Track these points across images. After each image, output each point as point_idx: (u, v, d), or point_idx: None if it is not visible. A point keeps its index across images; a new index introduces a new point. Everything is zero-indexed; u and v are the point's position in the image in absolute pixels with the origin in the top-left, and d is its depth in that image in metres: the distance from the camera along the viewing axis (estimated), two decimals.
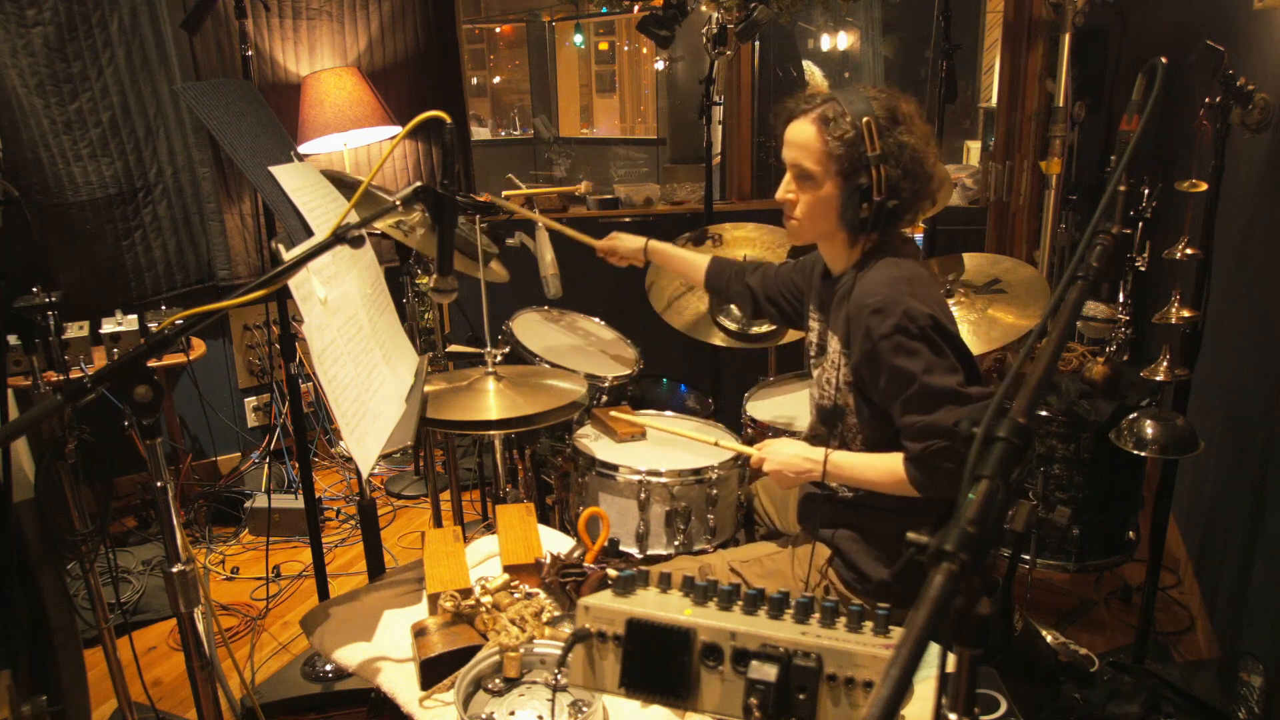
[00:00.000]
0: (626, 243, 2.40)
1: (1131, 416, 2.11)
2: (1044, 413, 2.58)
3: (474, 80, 7.70)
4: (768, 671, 0.92)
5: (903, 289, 1.56)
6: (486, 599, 1.54)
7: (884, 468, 1.63)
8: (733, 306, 2.70)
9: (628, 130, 7.37)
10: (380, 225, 2.29)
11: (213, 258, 3.57)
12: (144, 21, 3.27)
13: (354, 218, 1.44)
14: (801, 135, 1.63)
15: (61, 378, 2.02)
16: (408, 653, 1.53)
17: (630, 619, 0.99)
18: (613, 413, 2.32)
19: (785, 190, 1.69)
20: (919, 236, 3.53)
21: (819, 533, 1.78)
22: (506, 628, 1.47)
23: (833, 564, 1.76)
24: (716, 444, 2.02)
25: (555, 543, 1.87)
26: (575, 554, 1.71)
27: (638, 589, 1.05)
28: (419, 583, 1.73)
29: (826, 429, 1.77)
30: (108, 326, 2.95)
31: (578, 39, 7.20)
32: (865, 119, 1.55)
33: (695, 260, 2.27)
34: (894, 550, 1.70)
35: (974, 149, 4.67)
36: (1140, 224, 2.21)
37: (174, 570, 1.22)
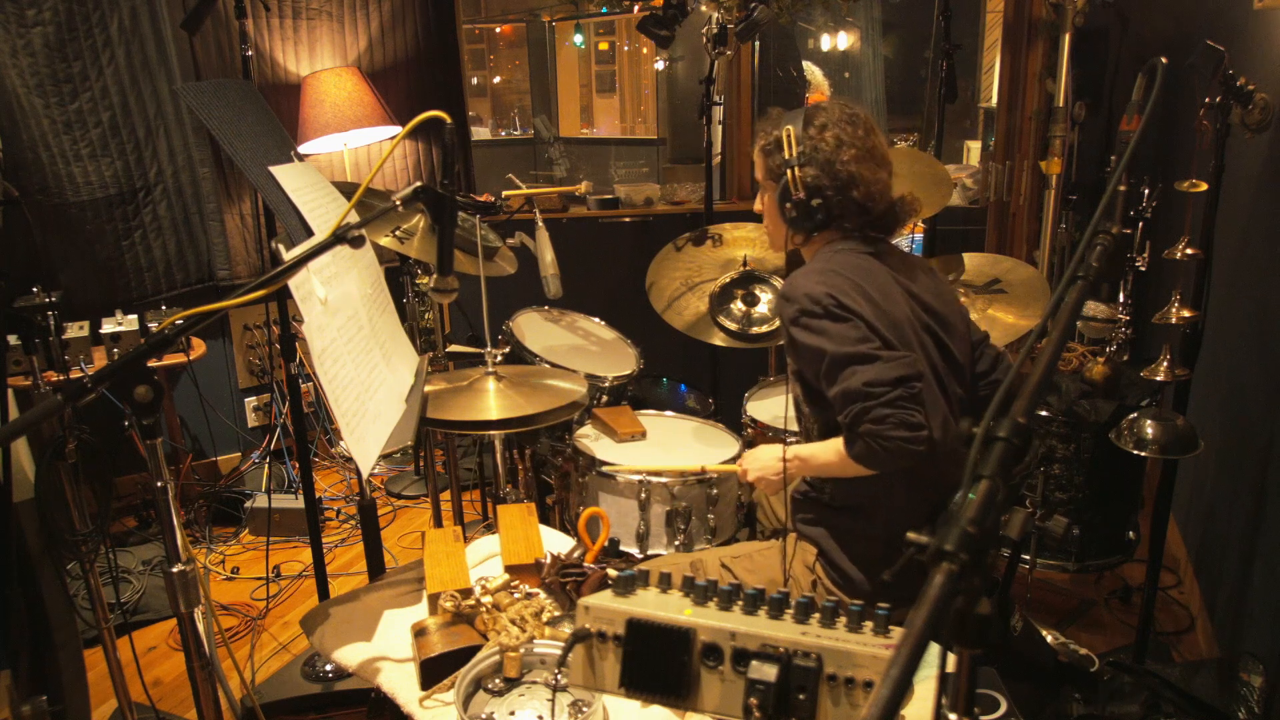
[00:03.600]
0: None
1: (1131, 416, 2.11)
2: (1044, 413, 2.58)
3: (474, 80, 7.70)
4: (768, 671, 0.92)
5: (812, 277, 1.66)
6: (486, 599, 1.54)
7: (830, 448, 1.68)
8: (733, 306, 2.70)
9: (628, 130, 7.37)
10: (379, 239, 2.29)
11: (213, 258, 3.57)
12: (144, 21, 3.27)
13: (354, 218, 1.44)
14: (753, 152, 1.84)
15: (61, 378, 2.02)
16: (408, 653, 1.53)
17: (630, 619, 0.99)
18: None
19: (756, 202, 1.89)
20: (919, 236, 3.54)
21: (803, 530, 1.80)
22: (506, 628, 1.47)
23: (820, 561, 1.77)
24: (703, 470, 2.13)
25: (555, 543, 1.87)
26: (575, 554, 1.71)
27: (638, 589, 1.05)
28: (419, 583, 1.73)
29: (799, 421, 1.86)
30: (108, 326, 2.95)
31: (578, 39, 7.20)
32: (787, 128, 1.72)
33: None
34: (868, 550, 1.71)
35: (974, 149, 4.67)
36: (1140, 224, 2.22)
37: (174, 570, 1.22)
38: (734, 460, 2.23)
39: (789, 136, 1.71)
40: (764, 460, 1.85)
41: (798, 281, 1.67)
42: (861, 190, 1.70)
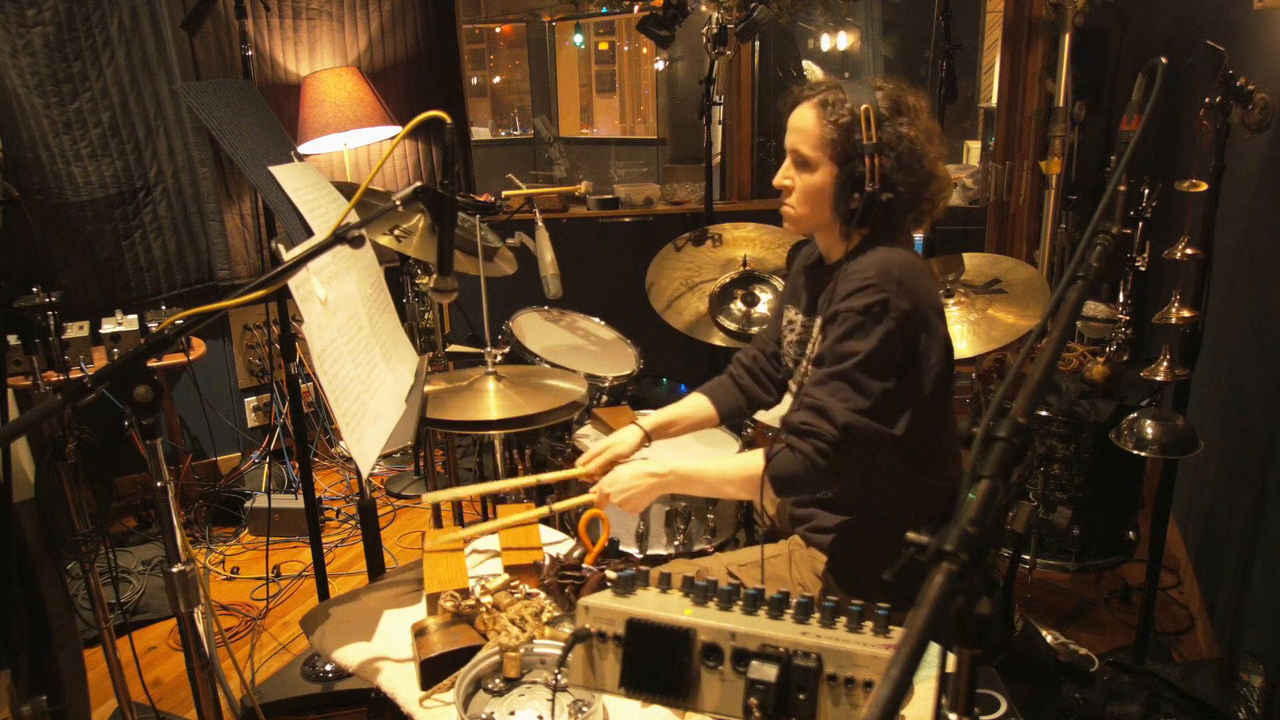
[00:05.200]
0: (624, 444, 1.90)
1: (1131, 416, 2.11)
2: (1044, 413, 2.58)
3: (474, 80, 7.70)
4: (768, 671, 0.92)
5: (894, 273, 1.54)
6: (486, 599, 1.53)
7: (737, 463, 1.61)
8: (733, 306, 2.70)
9: (628, 130, 7.37)
10: (378, 237, 2.29)
11: (213, 258, 3.57)
12: (144, 21, 3.27)
13: (354, 218, 1.44)
14: (801, 119, 1.62)
15: (61, 378, 2.02)
16: (408, 653, 1.53)
17: (630, 619, 0.99)
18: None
19: (783, 175, 1.68)
20: (918, 236, 3.54)
21: (812, 538, 1.78)
22: (506, 628, 1.47)
23: (831, 567, 1.76)
24: (551, 510, 1.81)
25: (555, 543, 1.87)
26: (575, 554, 1.71)
27: (638, 589, 1.05)
28: (419, 583, 1.73)
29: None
30: (108, 326, 2.95)
31: (578, 39, 7.20)
32: (864, 106, 1.55)
33: (703, 408, 1.96)
34: (887, 553, 1.68)
35: (974, 149, 4.68)
36: (1140, 224, 2.21)
37: (174, 570, 1.22)
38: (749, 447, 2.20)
39: (869, 116, 1.54)
40: (625, 480, 1.68)
41: (880, 276, 1.53)
42: (930, 192, 1.60)
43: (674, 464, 1.68)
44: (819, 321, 1.69)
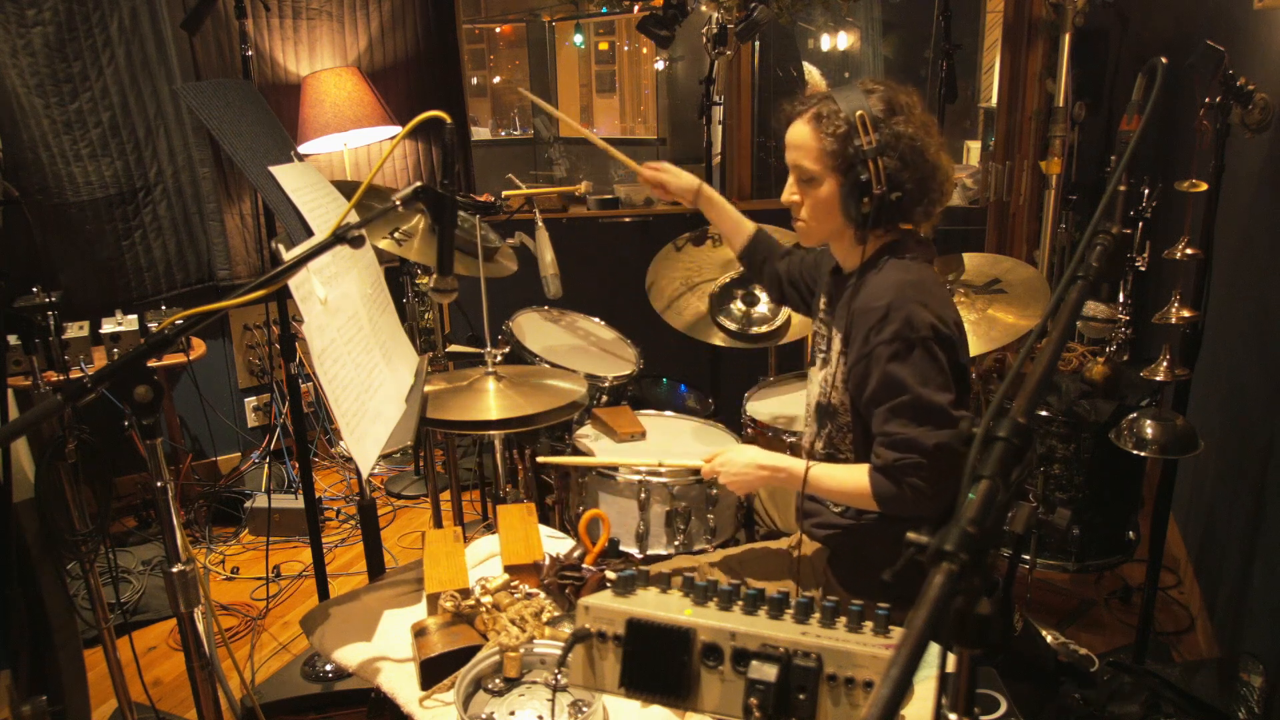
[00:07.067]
0: (680, 179, 2.13)
1: (1131, 416, 2.11)
2: (1044, 413, 2.58)
3: (474, 80, 7.70)
4: (768, 671, 0.92)
5: (909, 293, 1.54)
6: (486, 599, 1.54)
7: (848, 478, 1.61)
8: (733, 306, 2.70)
9: (628, 130, 7.37)
10: (377, 240, 2.29)
11: (213, 258, 3.57)
12: (144, 21, 3.27)
13: (354, 218, 1.44)
14: (798, 136, 1.63)
15: (61, 378, 2.02)
16: (408, 653, 1.53)
17: (630, 619, 0.99)
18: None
19: (790, 193, 1.69)
20: None
21: (816, 533, 1.78)
22: (506, 628, 1.47)
23: (832, 565, 1.76)
24: (660, 465, 2.02)
25: (555, 543, 1.87)
26: (575, 554, 1.71)
27: (638, 589, 1.05)
28: (419, 583, 1.73)
29: (817, 427, 1.77)
30: (108, 326, 2.95)
31: (578, 39, 7.20)
32: (859, 112, 1.54)
33: (741, 224, 2.11)
34: (891, 552, 1.68)
35: (974, 149, 4.67)
36: (1140, 224, 2.22)
37: (174, 570, 1.22)
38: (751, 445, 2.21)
39: (865, 121, 1.54)
40: (739, 466, 1.72)
41: (897, 297, 1.54)
42: (937, 183, 1.58)
43: (788, 463, 1.68)
44: (838, 335, 1.70)
